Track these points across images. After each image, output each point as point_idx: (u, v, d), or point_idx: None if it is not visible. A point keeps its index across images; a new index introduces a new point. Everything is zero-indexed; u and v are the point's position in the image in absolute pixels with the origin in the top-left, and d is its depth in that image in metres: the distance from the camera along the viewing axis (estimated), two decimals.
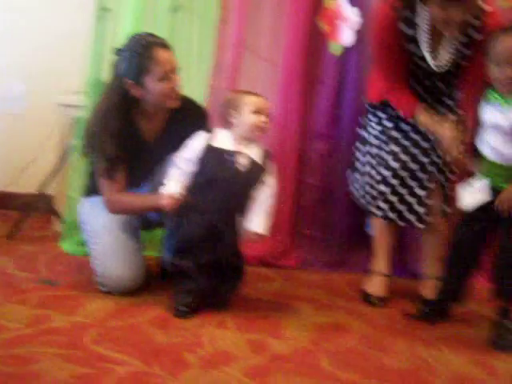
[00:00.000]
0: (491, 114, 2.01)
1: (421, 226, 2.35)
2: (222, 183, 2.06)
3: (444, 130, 2.19)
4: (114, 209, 2.24)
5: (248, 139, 2.11)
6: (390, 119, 2.41)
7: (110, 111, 2.21)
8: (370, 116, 2.49)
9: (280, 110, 2.87)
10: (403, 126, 2.37)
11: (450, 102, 2.39)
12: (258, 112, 2.09)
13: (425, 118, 2.27)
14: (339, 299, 2.38)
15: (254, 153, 2.11)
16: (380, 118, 2.44)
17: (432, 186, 2.33)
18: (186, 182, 2.07)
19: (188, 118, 2.27)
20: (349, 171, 2.64)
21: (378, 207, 2.39)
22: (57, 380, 1.52)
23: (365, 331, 2.05)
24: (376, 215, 2.42)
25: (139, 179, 2.30)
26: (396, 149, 2.36)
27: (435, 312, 2.18)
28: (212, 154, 2.08)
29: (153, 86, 2.16)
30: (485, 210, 2.04)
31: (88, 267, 2.36)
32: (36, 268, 2.44)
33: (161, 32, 2.79)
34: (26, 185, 3.16)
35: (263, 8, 2.93)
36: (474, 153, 2.10)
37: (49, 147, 3.17)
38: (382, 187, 2.38)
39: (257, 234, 2.11)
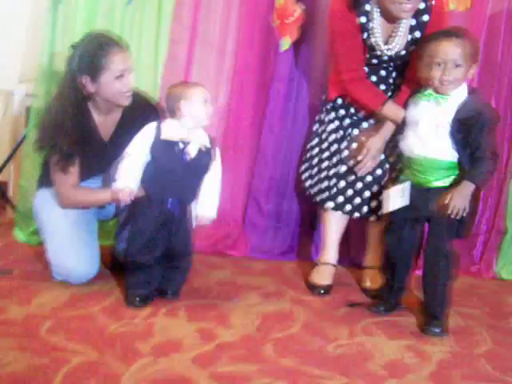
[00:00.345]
0: (421, 109, 2.13)
1: (373, 218, 2.47)
2: (173, 173, 2.14)
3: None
4: (66, 203, 2.30)
5: (194, 128, 2.18)
6: (349, 116, 2.50)
7: (64, 106, 2.25)
8: (327, 113, 2.57)
9: (235, 102, 2.95)
10: (362, 123, 2.47)
11: (399, 80, 2.47)
12: (203, 102, 2.16)
13: (391, 110, 2.34)
14: (286, 287, 2.50)
15: (201, 141, 2.19)
16: (338, 115, 2.52)
17: (385, 181, 2.45)
18: (137, 176, 2.13)
19: (141, 113, 2.32)
20: (301, 171, 2.73)
21: (335, 201, 2.49)
22: (14, 371, 1.60)
23: (308, 319, 2.17)
24: (332, 209, 2.51)
25: (95, 174, 2.36)
26: (353, 146, 2.46)
27: (377, 301, 2.31)
28: (162, 146, 2.14)
29: (108, 84, 2.21)
30: (408, 212, 2.16)
31: (42, 256, 2.43)
32: None
33: (114, 24, 2.85)
34: None
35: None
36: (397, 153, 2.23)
37: (1, 135, 3.19)
38: (341, 182, 2.48)
39: (205, 218, 2.21)
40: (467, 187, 2.06)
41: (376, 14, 2.35)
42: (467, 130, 2.05)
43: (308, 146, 2.69)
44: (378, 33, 2.36)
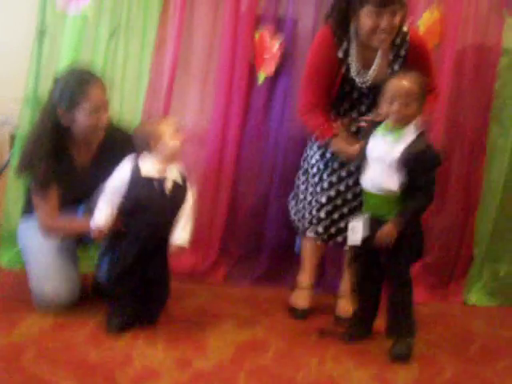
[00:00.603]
0: (376, 146, 2.26)
1: (346, 247, 2.58)
2: (151, 209, 2.23)
3: (351, 151, 2.42)
4: (46, 230, 2.40)
5: (169, 163, 2.28)
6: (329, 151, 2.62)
7: (42, 135, 2.37)
8: (310, 146, 2.70)
9: (214, 132, 3.08)
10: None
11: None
12: (174, 136, 2.26)
13: (336, 144, 2.49)
14: (260, 315, 2.61)
15: (176, 175, 2.29)
16: (319, 149, 2.64)
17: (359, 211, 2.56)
18: (114, 212, 2.21)
19: (118, 145, 2.41)
20: (289, 199, 2.85)
21: (316, 231, 2.61)
22: None
23: (281, 348, 2.28)
24: (313, 238, 2.64)
25: (73, 205, 2.45)
26: (334, 179, 2.59)
27: (349, 330, 2.42)
28: (139, 182, 2.22)
29: (80, 119, 2.33)
30: (369, 243, 2.28)
31: (23, 283, 2.51)
32: None
33: (98, 54, 2.97)
34: None
35: (197, 32, 3.12)
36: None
37: None
38: (321, 213, 2.60)
39: (178, 247, 2.30)
40: (392, 223, 2.21)
41: (353, 49, 2.49)
42: (411, 168, 2.18)
43: (296, 177, 2.81)
44: (354, 66, 2.50)
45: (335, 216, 2.59)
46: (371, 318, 2.44)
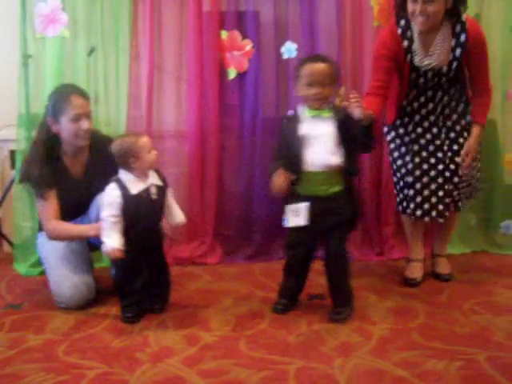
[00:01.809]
0: (312, 128, 2.49)
1: (441, 220, 2.88)
2: (145, 217, 2.52)
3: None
4: (52, 236, 2.70)
5: (148, 172, 2.56)
6: (407, 134, 2.92)
7: (38, 143, 2.71)
8: (388, 133, 3.02)
9: (196, 124, 3.38)
10: (420, 140, 2.89)
11: (452, 92, 2.88)
12: (150, 152, 2.52)
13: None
14: (255, 289, 2.95)
15: (155, 178, 2.57)
16: (398, 134, 2.95)
17: (447, 186, 2.85)
18: (120, 232, 2.46)
19: (106, 152, 2.61)
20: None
21: (409, 209, 2.91)
22: None
23: (274, 316, 2.62)
24: (407, 214, 2.95)
25: (73, 211, 2.75)
26: (417, 160, 2.86)
27: (281, 303, 2.66)
28: (132, 201, 2.47)
29: (65, 125, 2.66)
30: (306, 231, 2.52)
31: (43, 287, 2.87)
32: None
33: (79, 71, 3.25)
34: None
35: (166, 36, 3.40)
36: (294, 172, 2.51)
37: None
38: (410, 192, 2.89)
39: (179, 223, 2.64)
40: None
41: (415, 37, 2.78)
42: (345, 129, 2.45)
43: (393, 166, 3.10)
44: (417, 52, 2.79)
45: (425, 193, 2.86)
46: (300, 292, 2.73)
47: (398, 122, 2.96)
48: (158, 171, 2.61)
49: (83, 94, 2.72)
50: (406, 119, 2.94)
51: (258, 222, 3.48)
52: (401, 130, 2.95)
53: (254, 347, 2.31)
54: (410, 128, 2.93)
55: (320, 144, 2.49)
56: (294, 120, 2.54)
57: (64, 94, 2.66)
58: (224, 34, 3.36)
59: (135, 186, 2.50)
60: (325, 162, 2.48)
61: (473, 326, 2.49)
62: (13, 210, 3.36)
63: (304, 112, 2.54)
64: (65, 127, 2.66)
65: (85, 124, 2.66)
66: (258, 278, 3.12)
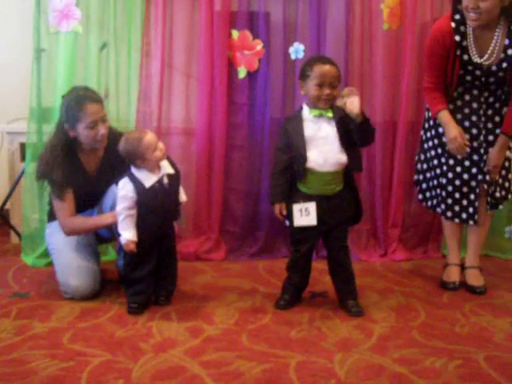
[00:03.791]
0: (317, 130, 2.53)
1: (471, 222, 2.89)
2: (159, 207, 2.58)
3: (454, 132, 2.74)
4: (68, 231, 2.76)
5: (159, 164, 2.61)
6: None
7: (56, 146, 2.75)
8: (428, 130, 2.98)
9: (206, 127, 3.40)
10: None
11: (499, 93, 2.83)
12: (156, 147, 2.56)
13: (444, 118, 2.78)
14: (258, 285, 2.99)
15: (167, 168, 2.62)
16: (438, 133, 2.91)
17: (479, 189, 2.85)
18: (134, 225, 2.54)
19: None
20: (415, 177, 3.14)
21: (440, 208, 2.95)
22: (48, 373, 2.07)
23: (277, 311, 2.65)
24: (441, 214, 2.99)
25: (87, 204, 2.81)
26: (451, 162, 2.87)
27: (285, 299, 2.69)
28: (146, 194, 2.54)
29: (82, 132, 2.70)
30: (313, 230, 2.57)
31: (50, 277, 2.92)
32: (7, 283, 2.95)
33: (91, 66, 3.30)
34: None
35: (177, 35, 3.44)
36: (300, 172, 2.54)
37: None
38: (443, 192, 2.92)
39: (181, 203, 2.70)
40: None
41: (469, 33, 2.73)
42: (346, 128, 2.49)
43: (417, 158, 3.13)
44: (470, 49, 2.74)
45: (456, 195, 2.88)
46: (304, 289, 2.77)
47: (438, 121, 2.90)
48: (168, 158, 2.66)
49: (96, 99, 2.74)
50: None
51: (263, 219, 3.51)
52: (439, 129, 2.90)
53: (255, 341, 2.35)
54: None
55: (328, 144, 2.53)
56: (297, 120, 2.58)
57: (78, 102, 2.68)
58: (235, 34, 3.40)
59: (148, 179, 2.56)
60: (336, 162, 2.54)
61: (473, 326, 2.52)
62: (21, 202, 3.39)
63: (306, 112, 2.57)
64: (82, 133, 2.71)
65: (101, 129, 2.71)
66: (261, 275, 3.15)
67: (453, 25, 2.74)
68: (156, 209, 2.56)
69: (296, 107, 3.33)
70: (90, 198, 2.80)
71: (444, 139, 2.88)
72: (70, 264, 2.77)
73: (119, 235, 2.55)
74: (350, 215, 2.64)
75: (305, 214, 2.54)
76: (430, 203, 3.07)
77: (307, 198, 2.56)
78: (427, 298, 2.84)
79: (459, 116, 2.85)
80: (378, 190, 3.49)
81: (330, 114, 2.53)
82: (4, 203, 3.58)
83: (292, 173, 2.58)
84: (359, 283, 2.77)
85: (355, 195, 2.64)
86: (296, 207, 2.57)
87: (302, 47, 3.39)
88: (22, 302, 2.70)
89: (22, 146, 3.55)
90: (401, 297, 2.85)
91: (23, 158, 3.51)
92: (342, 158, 2.54)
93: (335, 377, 2.07)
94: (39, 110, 3.34)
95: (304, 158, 2.52)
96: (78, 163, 2.81)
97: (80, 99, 2.69)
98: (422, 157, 3.07)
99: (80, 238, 2.83)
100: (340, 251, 2.63)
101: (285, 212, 2.58)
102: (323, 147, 2.53)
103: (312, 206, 2.54)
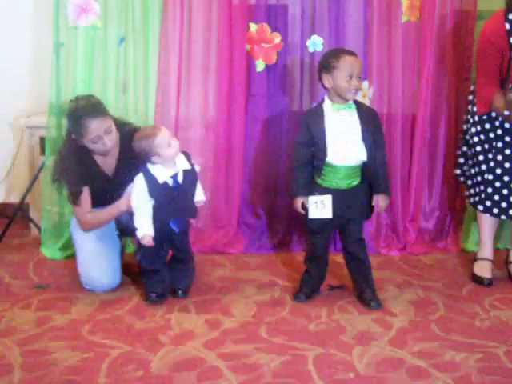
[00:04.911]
0: (338, 123, 2.51)
1: None
2: (172, 201, 2.59)
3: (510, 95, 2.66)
4: (85, 227, 2.79)
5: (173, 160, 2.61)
6: (493, 130, 2.81)
7: (70, 152, 2.75)
8: (474, 125, 2.90)
9: (223, 114, 3.38)
10: (505, 137, 2.80)
11: None
12: (170, 144, 2.56)
13: (497, 103, 2.72)
14: (277, 278, 2.99)
15: (183, 163, 2.62)
16: (484, 129, 2.84)
17: None
18: (150, 220, 2.56)
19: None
20: (458, 171, 3.12)
21: (484, 205, 2.87)
22: (69, 364, 2.10)
23: (295, 304, 2.65)
24: (482, 211, 2.90)
25: (108, 202, 2.80)
26: (499, 157, 2.81)
27: (304, 292, 2.69)
28: (161, 187, 2.55)
29: (88, 145, 2.70)
30: (328, 223, 2.57)
31: (70, 269, 2.95)
32: (27, 275, 2.98)
33: (109, 61, 3.31)
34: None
35: (196, 28, 3.44)
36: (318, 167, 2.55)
37: (19, 164, 3.68)
38: (488, 189, 2.87)
39: (199, 202, 2.70)
40: (384, 194, 2.61)
41: None
42: (372, 129, 2.50)
43: (459, 152, 3.10)
44: None
45: (504, 192, 2.82)
46: (322, 282, 2.76)
47: (486, 117, 2.84)
48: (185, 153, 2.65)
49: (96, 114, 2.65)
50: (494, 114, 2.81)
51: (282, 212, 3.51)
52: (487, 125, 2.84)
53: (274, 333, 2.35)
54: (497, 123, 2.82)
55: (349, 138, 2.52)
56: (318, 113, 2.56)
57: (77, 120, 2.65)
58: (253, 27, 3.39)
59: (163, 174, 2.57)
60: (355, 157, 2.53)
61: (493, 320, 2.50)
62: (41, 195, 3.42)
63: (328, 105, 2.55)
64: (88, 146, 2.71)
65: (107, 142, 2.69)
66: (279, 268, 3.15)
67: (507, 26, 2.68)
68: (168, 204, 2.56)
69: (314, 100, 3.33)
70: (107, 197, 2.81)
71: (491, 135, 2.84)
72: (91, 255, 2.79)
73: (136, 229, 2.56)
74: (365, 210, 2.63)
75: (320, 207, 2.54)
76: (472, 200, 3.01)
77: (323, 190, 2.56)
78: (446, 292, 2.82)
79: (507, 113, 2.77)
80: (398, 183, 3.47)
81: (352, 107, 2.51)
82: (24, 197, 3.61)
83: (313, 166, 2.57)
84: (378, 277, 2.76)
85: (371, 191, 2.62)
86: (312, 199, 2.56)
87: (320, 40, 3.36)
88: (42, 294, 2.73)
89: (42, 140, 3.57)
90: (420, 290, 2.83)
91: (43, 151, 3.53)
92: (362, 153, 2.53)
93: (354, 370, 2.07)
94: (58, 104, 3.35)
95: (324, 152, 2.51)
96: (94, 165, 2.82)
97: (79, 116, 2.65)
98: (468, 152, 3.01)
99: (103, 230, 2.84)
100: (355, 244, 2.63)
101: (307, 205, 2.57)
102: (344, 141, 2.52)
103: (328, 199, 2.53)
